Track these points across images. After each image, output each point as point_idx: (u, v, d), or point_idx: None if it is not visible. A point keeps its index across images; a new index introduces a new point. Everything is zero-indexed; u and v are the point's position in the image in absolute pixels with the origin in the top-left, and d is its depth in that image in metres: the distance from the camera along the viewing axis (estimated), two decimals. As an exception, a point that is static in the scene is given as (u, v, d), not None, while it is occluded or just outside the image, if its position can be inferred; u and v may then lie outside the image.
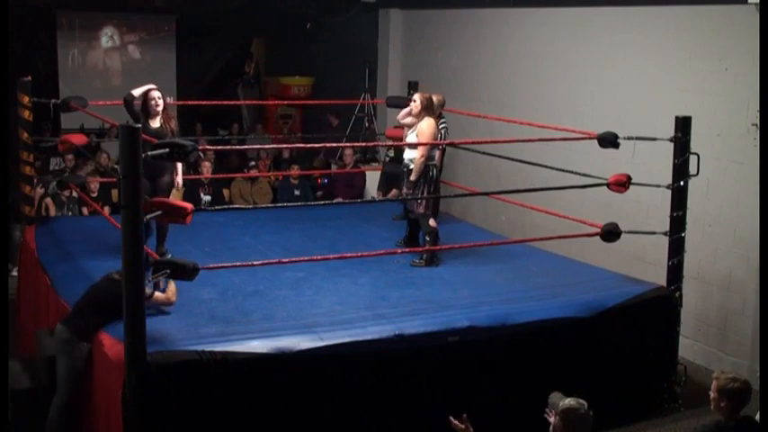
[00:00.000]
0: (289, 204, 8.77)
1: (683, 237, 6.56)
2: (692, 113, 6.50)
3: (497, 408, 5.90)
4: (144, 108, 6.83)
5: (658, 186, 6.55)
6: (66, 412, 5.50)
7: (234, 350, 5.16)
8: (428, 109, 7.22)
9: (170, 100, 13.49)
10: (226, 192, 10.46)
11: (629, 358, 6.41)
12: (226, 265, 6.22)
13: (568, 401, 3.97)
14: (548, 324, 6.01)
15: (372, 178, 10.50)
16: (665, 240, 6.58)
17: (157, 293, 5.49)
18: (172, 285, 5.66)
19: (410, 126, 7.36)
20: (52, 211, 9.48)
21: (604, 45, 8.47)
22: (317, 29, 13.19)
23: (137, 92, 6.83)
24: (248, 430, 5.27)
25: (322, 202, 9.24)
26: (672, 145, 6.45)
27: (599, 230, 6.57)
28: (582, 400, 3.99)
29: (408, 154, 7.34)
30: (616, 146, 6.58)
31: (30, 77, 7.76)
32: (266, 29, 14.84)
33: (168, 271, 5.20)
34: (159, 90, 6.89)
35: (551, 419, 3.99)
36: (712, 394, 4.16)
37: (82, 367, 5.43)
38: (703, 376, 6.97)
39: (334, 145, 11.15)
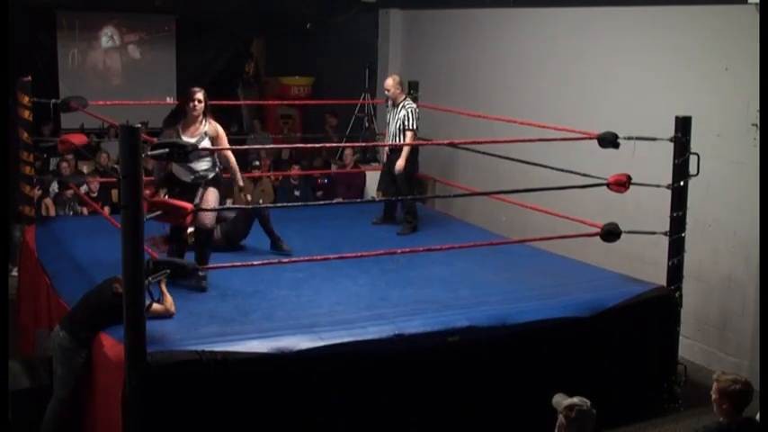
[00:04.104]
0: (289, 204, 8.77)
1: (683, 237, 6.56)
2: (692, 113, 6.49)
3: (497, 408, 5.90)
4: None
5: (658, 186, 6.55)
6: (62, 414, 5.50)
7: (234, 350, 5.16)
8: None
9: (170, 100, 13.56)
10: (226, 192, 10.45)
11: (629, 358, 6.41)
12: (225, 265, 6.23)
13: (571, 399, 3.99)
14: (548, 324, 6.01)
15: (372, 178, 10.50)
16: (665, 240, 6.57)
17: (155, 305, 5.41)
18: (168, 296, 5.62)
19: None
20: (52, 211, 9.49)
21: (604, 45, 8.47)
22: (317, 29, 13.19)
23: None
24: (248, 430, 5.27)
25: (322, 202, 9.23)
26: (672, 145, 6.45)
27: (599, 230, 6.57)
28: (585, 399, 4.01)
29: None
30: (616, 146, 6.58)
31: (30, 77, 7.76)
32: (266, 29, 14.84)
33: (168, 271, 5.19)
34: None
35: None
36: (713, 395, 4.16)
37: (80, 371, 5.43)
38: (703, 376, 6.96)
39: (335, 145, 11.17)
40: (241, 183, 6.78)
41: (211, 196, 6.38)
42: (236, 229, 7.40)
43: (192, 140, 6.22)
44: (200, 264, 6.21)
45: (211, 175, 6.42)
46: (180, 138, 6.16)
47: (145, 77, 14.10)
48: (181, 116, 6.40)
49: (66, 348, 5.40)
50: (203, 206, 6.28)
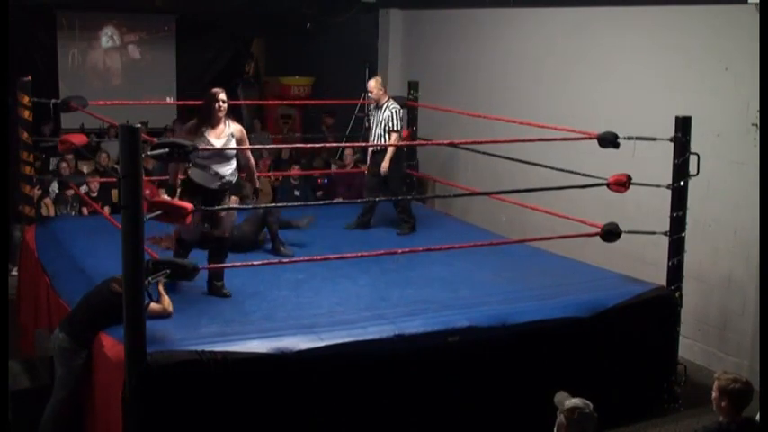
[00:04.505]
0: (289, 204, 8.76)
1: (683, 237, 6.56)
2: (692, 113, 6.49)
3: (497, 408, 5.90)
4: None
5: (658, 186, 6.55)
6: (61, 413, 5.50)
7: (234, 350, 5.16)
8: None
9: (170, 100, 13.57)
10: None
11: (629, 358, 6.41)
12: (226, 265, 6.23)
13: (573, 401, 3.98)
14: (548, 324, 6.01)
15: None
16: (665, 240, 6.57)
17: (153, 305, 5.39)
18: (165, 296, 5.62)
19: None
20: (52, 211, 9.48)
21: (604, 45, 8.47)
22: (317, 29, 13.19)
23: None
24: (248, 430, 5.27)
25: (322, 202, 9.23)
26: (672, 145, 6.45)
27: (599, 230, 6.57)
28: (587, 401, 4.00)
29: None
30: (616, 146, 6.58)
31: (30, 77, 7.76)
32: (266, 29, 14.84)
33: (168, 271, 5.19)
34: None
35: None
36: (713, 394, 4.16)
37: (80, 371, 5.44)
38: (703, 376, 6.97)
39: (334, 145, 11.17)
40: (257, 184, 6.73)
41: (235, 204, 6.32)
42: (245, 235, 7.38)
43: (220, 142, 6.12)
44: (217, 273, 6.18)
45: (233, 179, 6.30)
46: (207, 141, 6.04)
47: (145, 77, 14.10)
48: (206, 119, 6.20)
49: (65, 349, 5.41)
50: (228, 214, 6.21)
